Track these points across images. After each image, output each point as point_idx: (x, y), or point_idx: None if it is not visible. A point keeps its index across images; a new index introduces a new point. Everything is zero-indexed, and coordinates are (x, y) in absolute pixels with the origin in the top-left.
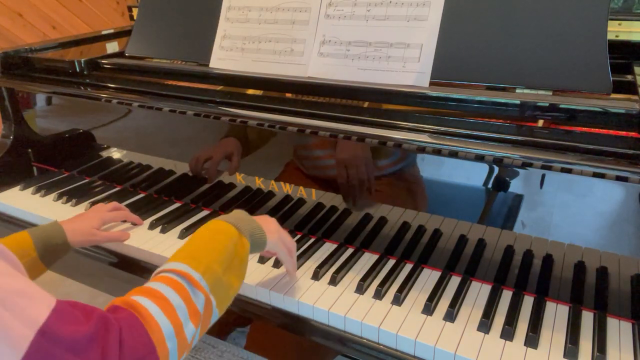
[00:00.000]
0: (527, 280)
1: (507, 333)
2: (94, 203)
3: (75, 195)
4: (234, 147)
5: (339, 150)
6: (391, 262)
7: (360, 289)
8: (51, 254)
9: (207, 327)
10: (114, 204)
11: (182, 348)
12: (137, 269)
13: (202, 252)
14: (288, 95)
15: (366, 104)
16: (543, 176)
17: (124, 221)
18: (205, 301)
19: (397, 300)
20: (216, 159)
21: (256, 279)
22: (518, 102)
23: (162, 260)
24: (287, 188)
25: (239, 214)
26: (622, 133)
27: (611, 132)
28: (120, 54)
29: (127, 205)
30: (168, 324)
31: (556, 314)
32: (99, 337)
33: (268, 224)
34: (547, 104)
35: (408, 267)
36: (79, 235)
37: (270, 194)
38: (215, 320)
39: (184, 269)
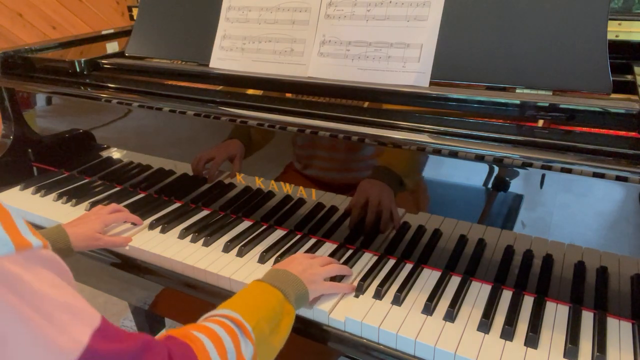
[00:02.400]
0: (527, 280)
1: (507, 333)
2: (94, 203)
3: (75, 195)
4: (237, 149)
5: (368, 185)
6: (391, 262)
7: (360, 289)
8: None
9: None
10: (114, 205)
11: None
12: (137, 269)
13: (253, 308)
14: (288, 95)
15: (366, 104)
16: (543, 176)
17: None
18: (253, 354)
19: (397, 300)
20: (218, 161)
21: None
22: (518, 102)
23: (162, 260)
24: (287, 188)
25: (280, 275)
26: (622, 133)
27: (611, 132)
28: (120, 54)
29: (127, 205)
30: None
31: (556, 314)
32: (142, 357)
33: (305, 274)
34: (547, 104)
35: (408, 267)
36: (82, 239)
37: (270, 194)
38: None
39: (238, 317)
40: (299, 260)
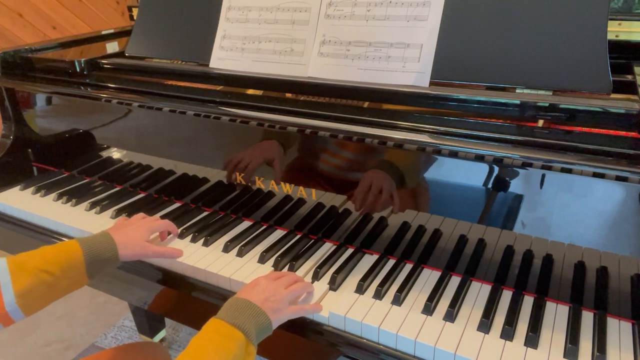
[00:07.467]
0: (527, 280)
1: (507, 333)
2: (94, 203)
3: (75, 195)
4: (275, 152)
5: (372, 170)
6: (391, 262)
7: (360, 289)
8: (99, 268)
9: None
10: (141, 214)
11: None
12: (136, 269)
13: None
14: (288, 95)
15: (366, 104)
16: (543, 176)
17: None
18: None
19: (397, 300)
20: (254, 165)
21: None
22: (518, 102)
23: (161, 260)
24: (287, 188)
25: (241, 308)
26: (622, 133)
27: (611, 132)
28: (120, 54)
29: (127, 206)
30: None
31: (556, 314)
32: None
33: (268, 303)
34: (547, 104)
35: (408, 267)
36: (130, 248)
37: (270, 194)
38: None
39: None
40: (263, 286)
